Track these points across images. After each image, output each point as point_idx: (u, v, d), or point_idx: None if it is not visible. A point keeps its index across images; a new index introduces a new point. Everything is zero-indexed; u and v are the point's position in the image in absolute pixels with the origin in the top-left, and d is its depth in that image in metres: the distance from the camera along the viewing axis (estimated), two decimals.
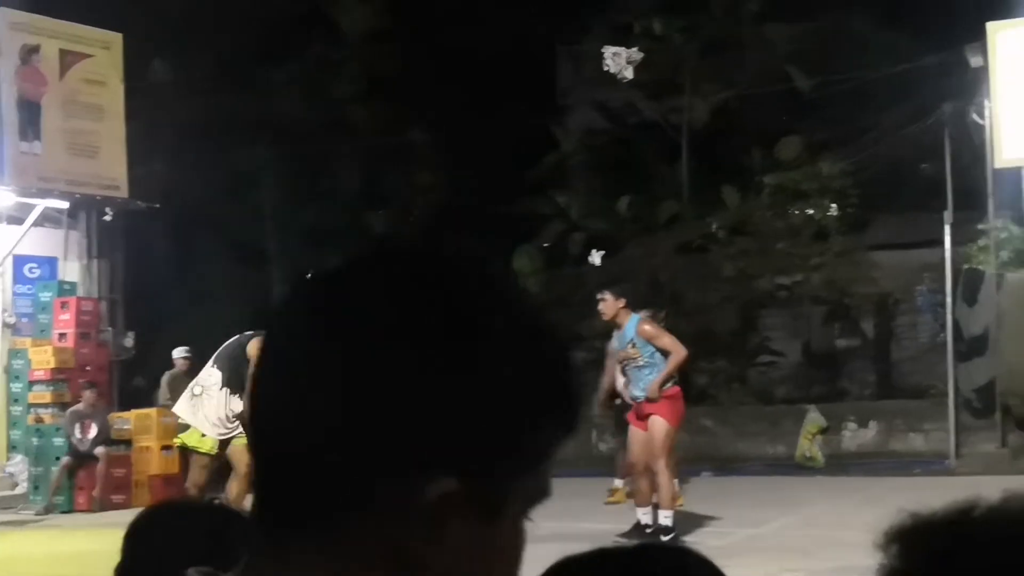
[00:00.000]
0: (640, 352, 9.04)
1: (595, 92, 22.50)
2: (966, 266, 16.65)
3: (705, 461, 15.23)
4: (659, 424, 8.90)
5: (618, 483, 12.18)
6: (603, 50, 18.99)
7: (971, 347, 15.61)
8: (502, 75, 21.92)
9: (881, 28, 23.65)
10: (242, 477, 8.89)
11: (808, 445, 15.01)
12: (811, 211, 19.50)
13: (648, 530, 8.69)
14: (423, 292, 0.86)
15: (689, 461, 15.44)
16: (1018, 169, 15.22)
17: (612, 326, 9.67)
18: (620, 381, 10.02)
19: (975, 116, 16.27)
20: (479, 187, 21.79)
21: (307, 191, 22.51)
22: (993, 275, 15.37)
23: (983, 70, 13.95)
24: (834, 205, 19.43)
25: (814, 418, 15.22)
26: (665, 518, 8.78)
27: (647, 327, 9.21)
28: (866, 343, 21.01)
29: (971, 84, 16.20)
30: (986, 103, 14.53)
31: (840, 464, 14.64)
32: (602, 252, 19.88)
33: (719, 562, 1.12)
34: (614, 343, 9.87)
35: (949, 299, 15.70)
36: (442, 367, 0.83)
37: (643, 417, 9.06)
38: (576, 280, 20.40)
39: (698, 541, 8.65)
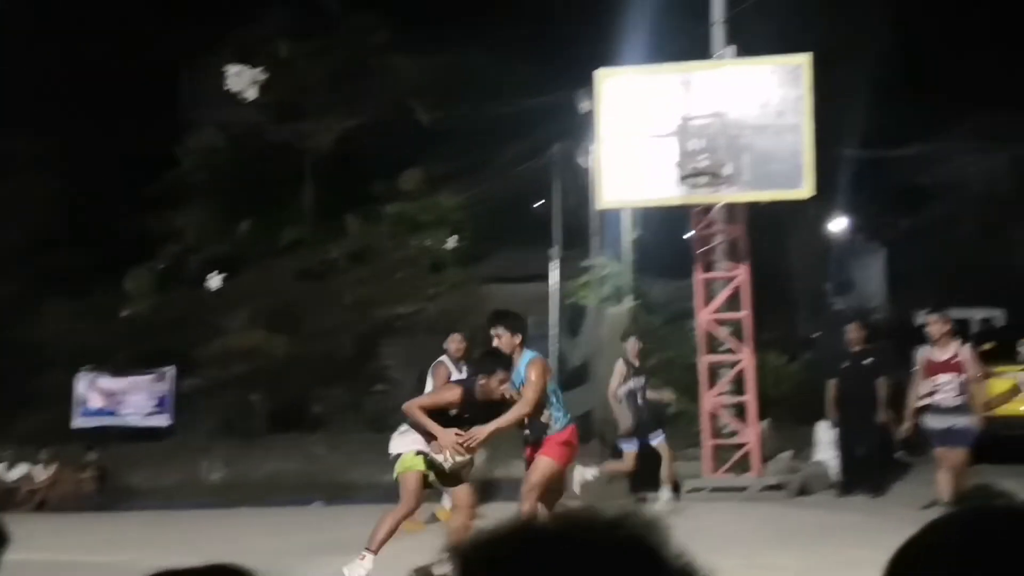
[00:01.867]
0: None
1: (220, 112, 22.02)
2: (570, 300, 17.62)
3: (317, 490, 15.12)
4: (542, 463, 8.50)
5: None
6: (226, 69, 18.62)
7: (573, 377, 16.45)
8: (124, 89, 20.98)
9: (502, 69, 24.67)
10: (462, 508, 8.34)
11: None
12: (429, 242, 19.95)
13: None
14: None
15: (301, 490, 15.32)
16: (619, 211, 16.25)
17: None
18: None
19: (582, 158, 17.25)
20: (94, 203, 20.70)
21: None
22: (594, 309, 16.31)
23: (590, 115, 14.77)
24: (452, 237, 19.98)
25: None
26: None
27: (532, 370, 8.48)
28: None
29: (580, 127, 17.17)
30: (592, 146, 15.40)
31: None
32: (222, 275, 19.42)
33: None
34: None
35: (553, 331, 16.51)
36: None
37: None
38: (192, 303, 19.79)
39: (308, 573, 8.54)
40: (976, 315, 23.05)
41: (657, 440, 12.72)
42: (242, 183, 21.97)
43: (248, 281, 20.35)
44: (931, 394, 10.67)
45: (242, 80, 18.24)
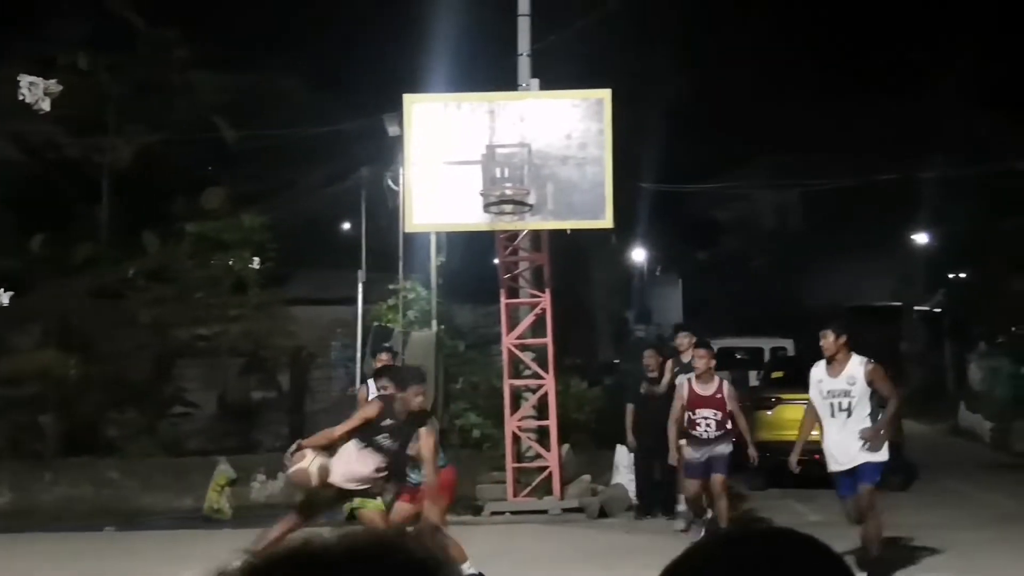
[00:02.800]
0: None
1: (11, 123, 21.03)
2: (376, 323, 17.55)
3: (110, 516, 14.59)
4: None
5: None
6: (19, 78, 17.86)
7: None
8: None
9: (311, 90, 24.49)
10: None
11: (216, 498, 14.89)
12: (232, 262, 19.54)
13: None
14: None
15: (92, 516, 14.73)
16: (427, 234, 16.31)
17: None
18: None
19: (391, 182, 17.25)
20: None
21: None
22: (400, 332, 16.30)
23: (399, 138, 14.80)
24: (256, 258, 19.62)
25: (224, 470, 15.14)
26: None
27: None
28: (282, 395, 21.38)
29: (389, 151, 17.17)
30: (400, 170, 15.43)
31: (248, 516, 14.64)
32: (9, 292, 18.55)
33: None
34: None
35: (359, 354, 16.42)
36: None
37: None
38: None
39: None
40: (768, 344, 24.07)
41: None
42: (34, 198, 21.04)
43: (39, 299, 19.51)
44: (694, 426, 11.11)
45: (36, 91, 17.52)
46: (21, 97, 17.81)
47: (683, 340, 12.95)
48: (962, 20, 32.52)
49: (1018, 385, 21.82)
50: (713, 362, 11.43)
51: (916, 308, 34.52)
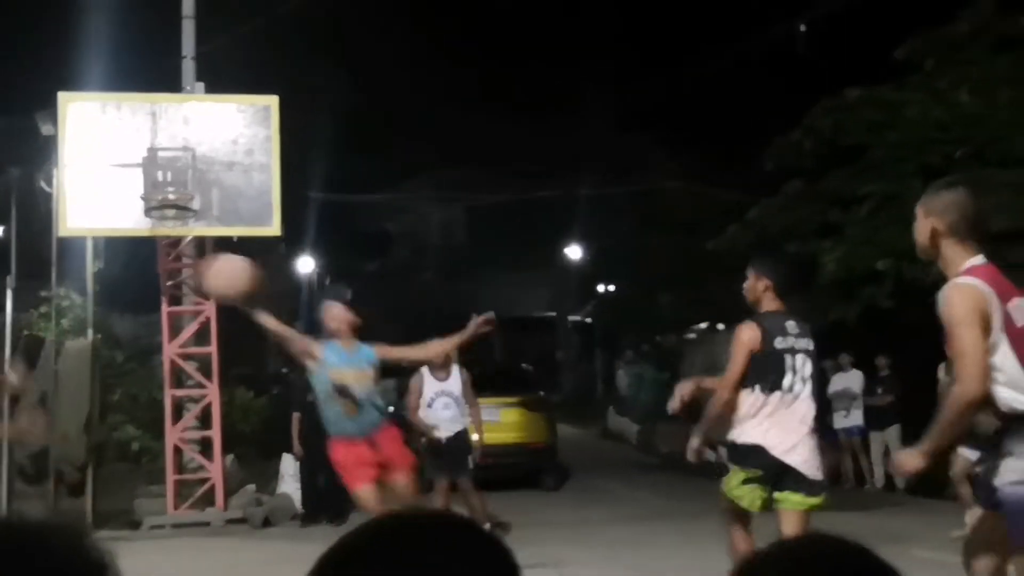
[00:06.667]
0: None
1: None
2: (26, 332, 16.59)
3: None
4: None
5: None
6: None
7: None
8: None
9: None
10: None
11: None
12: None
13: None
14: None
15: None
16: (84, 239, 15.62)
17: None
18: None
19: (43, 183, 16.39)
20: None
21: None
22: (53, 342, 15.50)
23: (54, 138, 14.13)
24: None
25: None
26: None
27: None
28: None
29: (42, 151, 16.31)
30: (54, 171, 14.73)
31: None
32: None
33: None
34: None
35: (7, 365, 15.44)
36: None
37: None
38: None
39: None
40: None
41: None
42: None
43: None
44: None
45: None
46: None
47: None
48: (614, 46, 34.54)
49: (660, 390, 23.44)
50: None
51: (570, 319, 36.28)
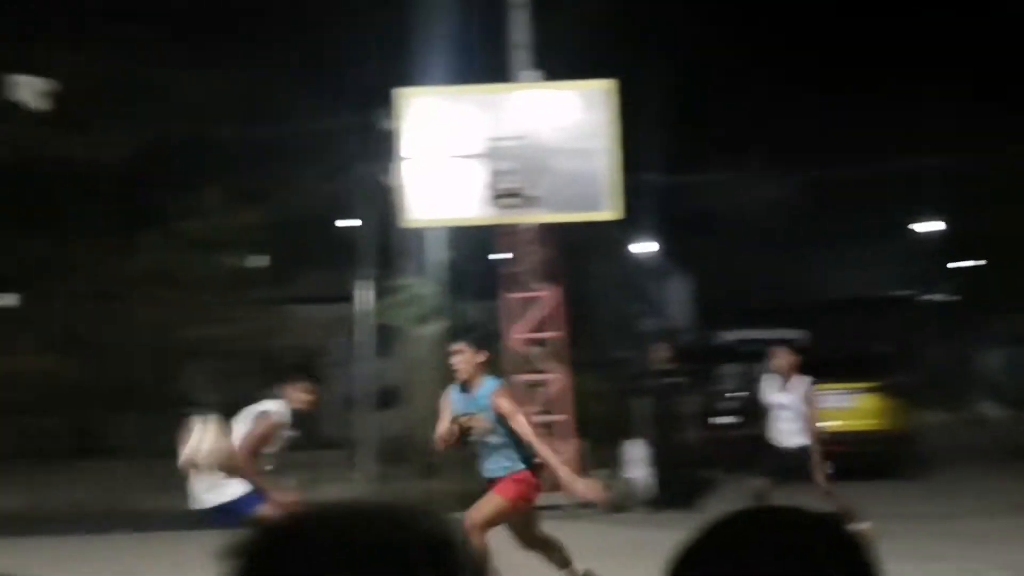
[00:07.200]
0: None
1: (5, 125, 20.69)
2: (380, 321, 17.28)
3: (117, 517, 14.32)
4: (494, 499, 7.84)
5: None
6: (10, 79, 17.61)
7: (386, 399, 16.15)
8: None
9: (304, 87, 24.19)
10: None
11: None
12: (228, 262, 19.29)
13: None
14: None
15: (100, 518, 14.44)
16: (427, 231, 16.07)
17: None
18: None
19: (387, 178, 17.00)
20: None
21: None
22: (405, 330, 16.05)
23: (394, 134, 14.59)
24: (252, 257, 19.39)
25: None
26: None
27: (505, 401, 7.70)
28: None
29: (386, 146, 16.92)
30: (396, 166, 15.21)
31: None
32: (11, 295, 18.33)
33: None
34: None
35: (364, 353, 16.16)
36: None
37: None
38: None
39: None
40: (778, 335, 23.76)
41: None
42: (31, 199, 20.71)
43: (38, 300, 19.25)
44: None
45: (30, 91, 17.27)
46: (15, 98, 17.57)
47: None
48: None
49: None
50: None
51: (923, 298, 34.33)
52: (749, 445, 13.94)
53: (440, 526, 1.21)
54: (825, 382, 12.09)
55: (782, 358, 10.64)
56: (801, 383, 10.53)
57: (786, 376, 10.53)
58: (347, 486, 15.94)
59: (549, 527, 12.43)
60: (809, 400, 10.47)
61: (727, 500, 12.55)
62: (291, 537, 1.15)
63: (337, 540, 1.14)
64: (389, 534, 1.16)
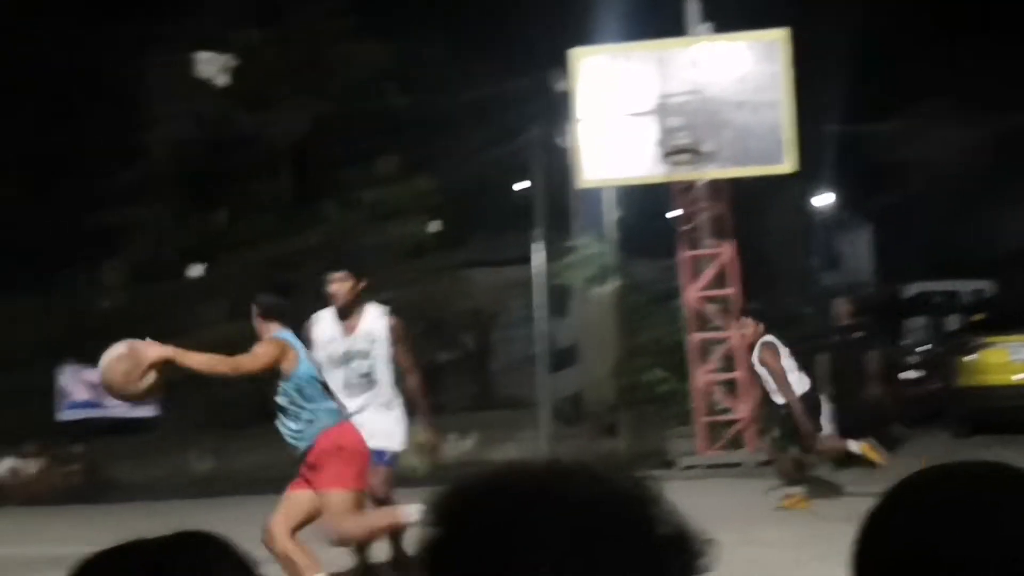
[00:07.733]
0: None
1: (188, 102, 21.49)
2: (555, 282, 17.37)
3: None
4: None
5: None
6: (195, 56, 18.26)
7: (561, 359, 16.25)
8: (85, 83, 20.61)
9: (470, 52, 24.38)
10: None
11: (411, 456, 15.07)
12: (407, 228, 19.66)
13: None
14: None
15: (286, 480, 15.03)
16: (600, 191, 16.04)
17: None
18: None
19: (560, 138, 17.01)
20: (58, 199, 20.30)
21: None
22: (579, 291, 16.10)
23: (567, 94, 14.58)
24: (431, 222, 19.73)
25: (415, 431, 15.27)
26: None
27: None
28: (465, 357, 21.50)
29: (557, 107, 16.93)
30: (570, 126, 15.21)
31: (442, 474, 14.73)
32: (200, 265, 19.10)
33: None
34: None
35: (540, 314, 16.27)
36: None
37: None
38: (168, 295, 19.50)
39: None
40: (965, 287, 22.95)
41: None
42: (212, 173, 21.49)
43: (223, 272, 20.01)
44: None
45: (212, 66, 17.90)
46: (198, 75, 18.20)
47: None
48: None
49: None
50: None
51: None
52: (936, 400, 13.52)
53: (637, 483, 1.17)
54: (1014, 334, 11.64)
55: None
56: None
57: None
58: (527, 445, 16.14)
59: (730, 485, 12.39)
60: None
61: (907, 456, 12.24)
62: (492, 492, 1.12)
63: (541, 495, 1.09)
64: (591, 489, 1.12)
